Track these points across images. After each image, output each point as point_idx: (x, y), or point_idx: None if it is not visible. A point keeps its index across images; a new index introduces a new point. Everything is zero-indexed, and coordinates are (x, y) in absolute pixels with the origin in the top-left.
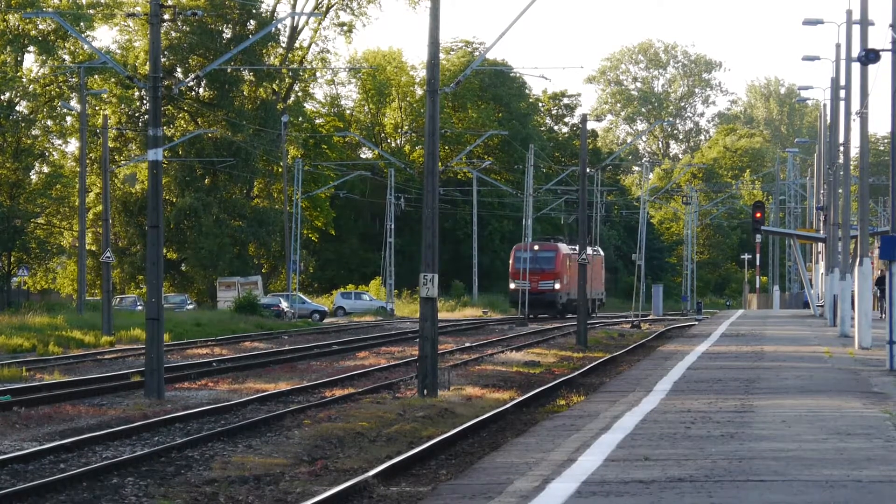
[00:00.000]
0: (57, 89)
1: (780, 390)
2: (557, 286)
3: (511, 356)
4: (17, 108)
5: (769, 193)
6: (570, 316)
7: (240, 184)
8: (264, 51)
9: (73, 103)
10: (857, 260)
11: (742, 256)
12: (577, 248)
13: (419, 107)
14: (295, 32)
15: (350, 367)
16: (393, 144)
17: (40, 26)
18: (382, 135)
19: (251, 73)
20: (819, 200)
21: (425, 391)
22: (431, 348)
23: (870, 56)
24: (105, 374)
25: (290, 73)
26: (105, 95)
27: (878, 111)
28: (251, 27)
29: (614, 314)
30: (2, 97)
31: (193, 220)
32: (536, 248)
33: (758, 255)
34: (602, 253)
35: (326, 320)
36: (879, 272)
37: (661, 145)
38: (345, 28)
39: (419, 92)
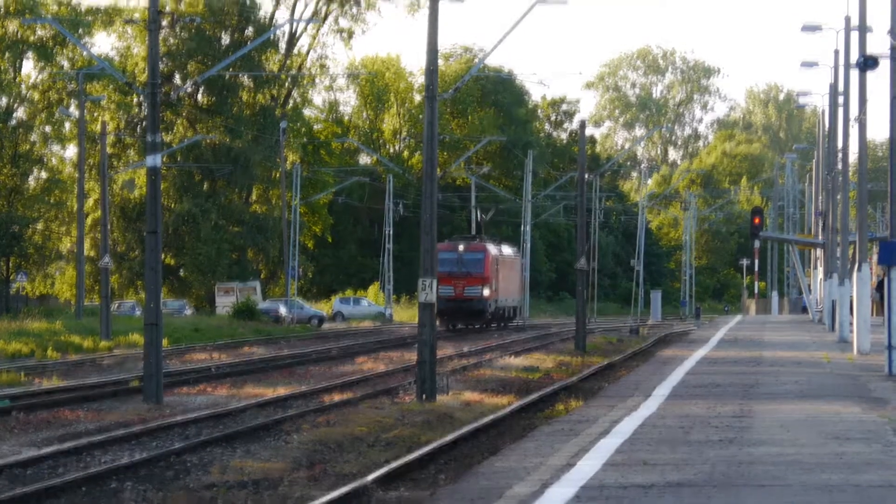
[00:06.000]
0: (55, 95)
1: (778, 395)
2: (486, 292)
3: (510, 361)
4: (16, 113)
5: (768, 199)
6: (493, 326)
7: (238, 189)
8: (263, 57)
9: (72, 109)
10: (856, 265)
11: (740, 262)
12: (502, 248)
13: (418, 113)
14: (293, 38)
15: (349, 373)
16: (391, 150)
17: (39, 32)
18: (381, 141)
19: (250, 79)
20: (818, 206)
21: (424, 396)
22: (430, 353)
23: (868, 62)
24: (104, 379)
25: (289, 80)
26: (103, 101)
27: (876, 117)
28: (249, 33)
29: (613, 319)
30: (0, 103)
31: (192, 226)
32: (462, 248)
33: (756, 261)
34: (519, 255)
35: (325, 325)
36: (877, 277)
37: (659, 151)
38: (344, 34)
39: (418, 98)
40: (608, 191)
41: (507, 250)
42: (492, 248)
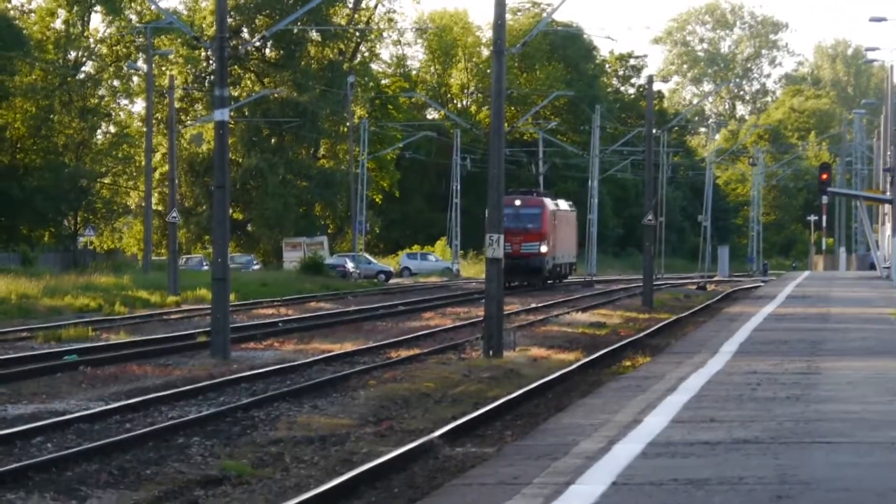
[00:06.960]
0: (124, 49)
1: (845, 352)
2: (543, 249)
3: (576, 317)
4: (84, 68)
5: (836, 155)
6: (550, 283)
7: (306, 144)
8: (331, 11)
9: (140, 63)
10: None
11: (808, 218)
12: (559, 203)
13: (485, 67)
14: None
15: (415, 328)
16: (459, 105)
17: None
18: (448, 95)
19: (317, 34)
20: (886, 162)
21: (490, 352)
22: (497, 309)
23: None
24: (171, 334)
25: (357, 34)
26: (171, 56)
27: None
28: None
29: (680, 275)
30: (68, 57)
31: (259, 181)
32: (518, 203)
33: (824, 217)
34: (575, 210)
35: (392, 281)
36: None
37: (727, 106)
38: None
39: (485, 53)
40: (676, 146)
41: (563, 205)
42: (549, 203)
